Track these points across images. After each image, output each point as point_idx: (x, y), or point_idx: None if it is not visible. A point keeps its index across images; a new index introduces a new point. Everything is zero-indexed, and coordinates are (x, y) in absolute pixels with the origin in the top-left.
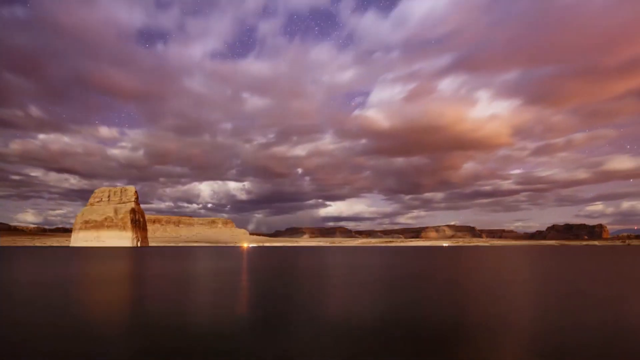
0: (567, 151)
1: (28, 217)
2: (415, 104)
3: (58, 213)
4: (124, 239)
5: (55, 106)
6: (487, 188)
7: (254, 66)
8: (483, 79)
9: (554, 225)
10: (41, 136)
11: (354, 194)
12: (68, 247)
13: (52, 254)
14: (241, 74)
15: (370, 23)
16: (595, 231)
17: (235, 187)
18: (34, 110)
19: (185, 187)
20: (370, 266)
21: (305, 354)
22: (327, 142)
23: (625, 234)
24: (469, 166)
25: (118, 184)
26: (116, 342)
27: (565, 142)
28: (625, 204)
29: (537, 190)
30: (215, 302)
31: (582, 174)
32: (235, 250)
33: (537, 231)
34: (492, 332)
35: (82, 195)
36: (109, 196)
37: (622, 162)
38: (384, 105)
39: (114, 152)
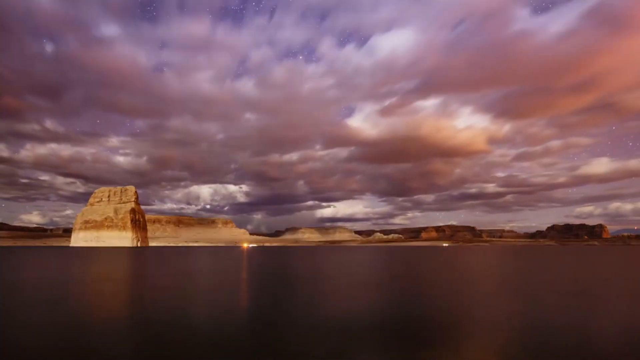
0: (549, 157)
1: (33, 218)
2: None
3: (62, 215)
4: (124, 239)
5: (69, 120)
6: (488, 189)
7: (247, 88)
8: (456, 97)
9: (553, 226)
10: (53, 145)
11: (349, 196)
12: (68, 247)
13: (50, 254)
14: (238, 94)
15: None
16: (595, 231)
17: (234, 190)
18: (50, 124)
19: (186, 190)
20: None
21: None
22: (318, 149)
23: (625, 234)
24: (459, 171)
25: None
26: (113, 340)
27: (544, 149)
28: (626, 204)
29: (537, 190)
30: (212, 300)
31: (581, 174)
32: (236, 251)
33: (537, 231)
34: None
35: (86, 198)
36: (109, 196)
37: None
38: (368, 118)
39: (120, 159)
